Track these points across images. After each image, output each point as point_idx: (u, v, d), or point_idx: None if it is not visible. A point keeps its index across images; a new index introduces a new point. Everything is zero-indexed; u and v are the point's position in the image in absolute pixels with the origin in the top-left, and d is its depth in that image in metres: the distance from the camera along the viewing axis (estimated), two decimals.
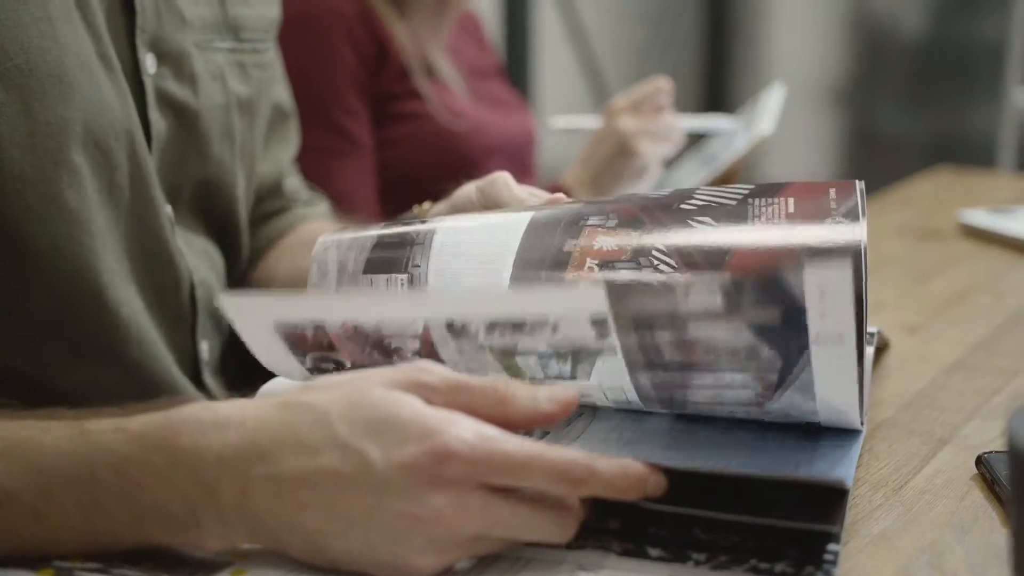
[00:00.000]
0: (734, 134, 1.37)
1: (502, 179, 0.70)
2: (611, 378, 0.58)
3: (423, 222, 0.65)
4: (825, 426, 0.59)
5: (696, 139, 1.47)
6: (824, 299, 0.51)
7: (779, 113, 1.33)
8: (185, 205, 0.81)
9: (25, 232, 0.67)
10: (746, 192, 0.60)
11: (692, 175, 1.37)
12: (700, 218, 0.58)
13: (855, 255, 0.53)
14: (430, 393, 0.51)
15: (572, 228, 0.60)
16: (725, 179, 1.34)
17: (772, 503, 0.53)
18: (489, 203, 0.69)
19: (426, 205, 0.77)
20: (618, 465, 0.51)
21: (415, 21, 1.40)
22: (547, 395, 0.53)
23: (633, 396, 0.59)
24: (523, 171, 1.49)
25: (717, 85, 3.69)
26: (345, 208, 1.23)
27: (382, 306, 0.61)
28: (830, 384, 0.55)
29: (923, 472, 0.64)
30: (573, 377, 0.58)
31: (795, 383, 0.55)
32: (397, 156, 1.37)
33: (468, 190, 0.71)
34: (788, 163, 3.41)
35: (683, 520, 0.55)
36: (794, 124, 1.72)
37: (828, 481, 0.53)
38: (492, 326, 0.57)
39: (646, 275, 0.57)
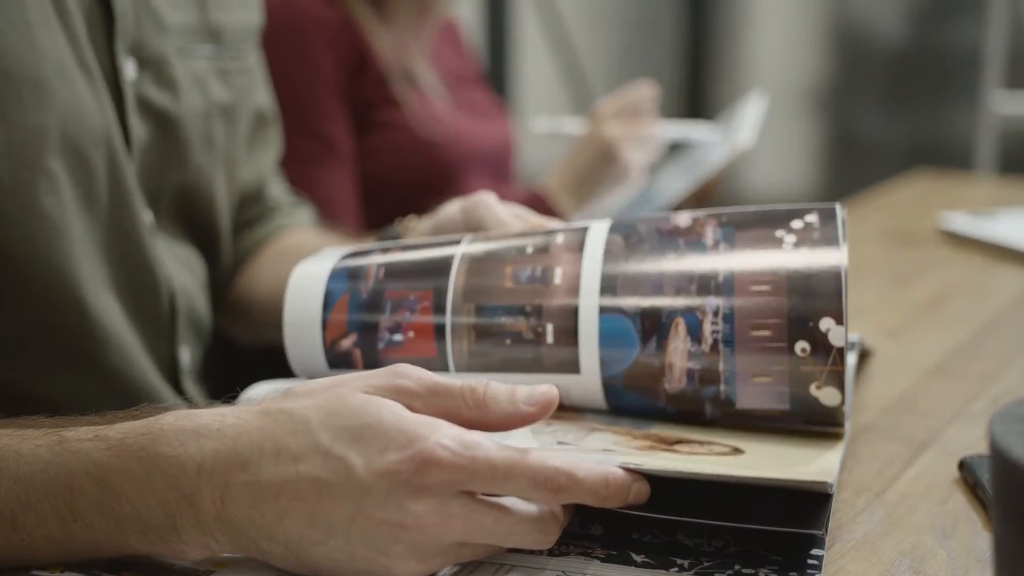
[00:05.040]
0: (713, 143, 1.37)
1: (485, 201, 0.70)
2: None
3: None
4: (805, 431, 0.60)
5: (678, 145, 1.47)
6: None
7: (760, 123, 1.33)
8: (166, 212, 0.80)
9: (3, 239, 0.66)
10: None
11: (674, 182, 1.37)
12: None
13: None
14: (410, 398, 0.51)
15: None
16: (706, 190, 1.35)
17: (755, 508, 0.53)
18: (472, 224, 0.70)
19: (410, 220, 0.76)
20: (600, 473, 0.51)
21: (396, 28, 1.39)
22: (525, 396, 0.53)
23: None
24: (501, 179, 1.49)
25: (697, 90, 3.70)
26: (328, 215, 1.23)
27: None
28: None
29: (905, 476, 0.64)
30: None
31: None
32: (376, 164, 1.37)
33: (452, 210, 0.72)
34: (768, 167, 3.42)
35: (666, 525, 0.55)
36: (774, 129, 1.72)
37: (812, 485, 0.52)
38: None
39: None
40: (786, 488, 0.53)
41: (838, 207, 0.62)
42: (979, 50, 2.71)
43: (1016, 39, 2.66)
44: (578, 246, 0.64)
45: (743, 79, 3.65)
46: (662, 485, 0.53)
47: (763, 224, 0.62)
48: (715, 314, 0.59)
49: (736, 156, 1.30)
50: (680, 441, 0.58)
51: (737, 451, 0.57)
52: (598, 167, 1.34)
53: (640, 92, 1.36)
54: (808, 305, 0.58)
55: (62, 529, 0.50)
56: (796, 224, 0.61)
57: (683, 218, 0.64)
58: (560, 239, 0.64)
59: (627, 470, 0.52)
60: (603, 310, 0.61)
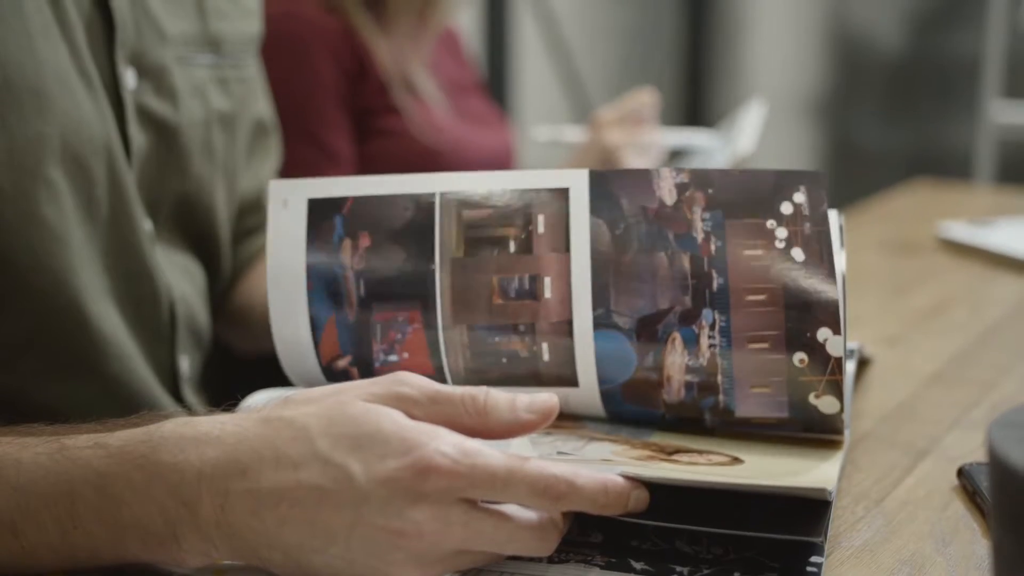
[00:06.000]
0: (714, 150, 1.37)
1: None
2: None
3: None
4: (805, 439, 0.60)
5: (679, 152, 1.47)
6: None
7: (760, 131, 1.33)
8: (165, 221, 0.80)
9: (3, 247, 0.66)
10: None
11: None
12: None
13: None
14: (410, 406, 0.51)
15: None
16: None
17: (755, 516, 0.53)
18: None
19: None
20: (599, 481, 0.51)
21: (396, 37, 1.40)
22: (526, 404, 0.53)
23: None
24: None
25: (696, 97, 3.70)
26: None
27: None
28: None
29: (904, 484, 0.64)
30: None
31: None
32: (376, 172, 1.37)
33: None
34: None
35: (666, 533, 0.55)
36: (773, 137, 1.72)
37: (811, 492, 0.53)
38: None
39: None
40: (785, 496, 0.53)
41: (824, 177, 0.59)
42: (978, 59, 2.72)
43: (1015, 49, 2.66)
44: (563, 241, 0.62)
45: (742, 87, 3.66)
46: (661, 493, 0.53)
47: (751, 206, 0.59)
48: (711, 327, 0.59)
49: (736, 163, 1.30)
50: (679, 451, 0.58)
51: (736, 460, 0.57)
52: None
53: (640, 99, 1.36)
54: (805, 316, 0.57)
55: (62, 536, 0.50)
56: (785, 208, 0.59)
57: (667, 190, 0.61)
58: (541, 227, 0.62)
59: (626, 478, 0.52)
60: (598, 325, 0.60)
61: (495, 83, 2.73)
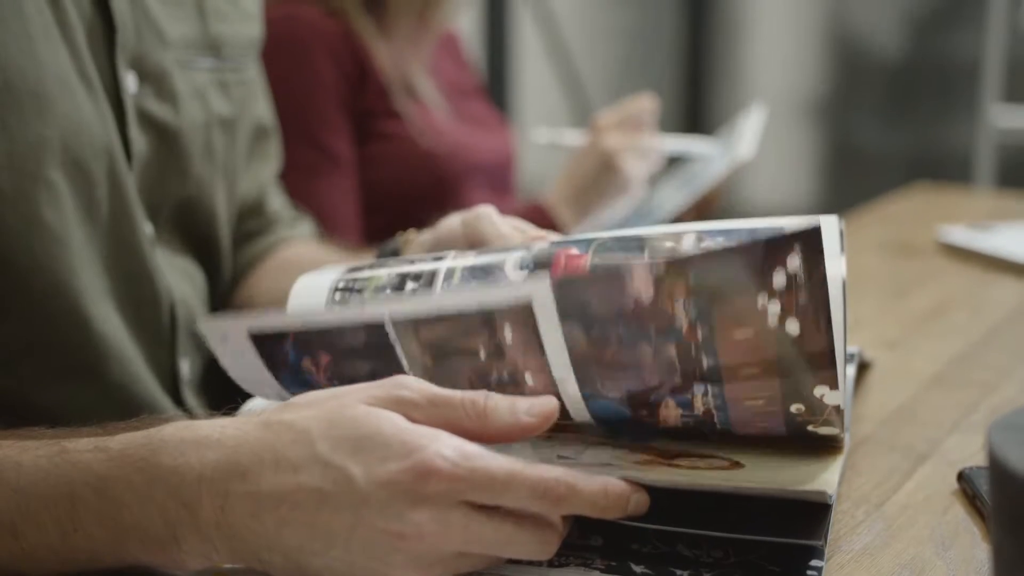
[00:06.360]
0: (713, 156, 1.37)
1: (486, 214, 0.69)
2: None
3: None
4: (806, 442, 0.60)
5: (678, 158, 1.47)
6: None
7: (759, 136, 1.33)
8: (166, 224, 0.80)
9: (3, 249, 0.66)
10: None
11: (674, 195, 1.37)
12: None
13: None
14: (410, 409, 0.51)
15: None
16: (704, 203, 1.35)
17: (755, 519, 0.53)
18: (473, 237, 0.68)
19: (410, 234, 0.76)
20: (599, 484, 0.51)
21: (396, 40, 1.40)
22: (526, 408, 0.53)
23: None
24: (502, 190, 1.50)
25: (696, 101, 3.70)
26: (328, 226, 1.23)
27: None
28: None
29: (904, 487, 0.64)
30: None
31: None
32: (376, 176, 1.37)
33: (452, 223, 0.71)
34: (767, 179, 3.42)
35: (666, 536, 0.55)
36: (773, 140, 1.72)
37: (811, 495, 0.53)
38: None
39: None
40: (786, 499, 0.53)
41: (823, 235, 0.51)
42: (978, 63, 2.72)
43: (1015, 52, 2.66)
44: (536, 346, 0.56)
45: (742, 90, 3.66)
46: (662, 496, 0.53)
47: (739, 288, 0.52)
48: (704, 394, 0.56)
49: (736, 168, 1.30)
50: (680, 455, 0.58)
51: (737, 464, 0.57)
52: (598, 178, 1.34)
53: (640, 104, 1.36)
54: (801, 379, 0.54)
55: (62, 539, 0.50)
56: (778, 280, 0.51)
57: (643, 288, 0.53)
58: (509, 338, 0.56)
59: (627, 481, 0.52)
60: (587, 399, 0.58)
61: (495, 86, 2.73)
